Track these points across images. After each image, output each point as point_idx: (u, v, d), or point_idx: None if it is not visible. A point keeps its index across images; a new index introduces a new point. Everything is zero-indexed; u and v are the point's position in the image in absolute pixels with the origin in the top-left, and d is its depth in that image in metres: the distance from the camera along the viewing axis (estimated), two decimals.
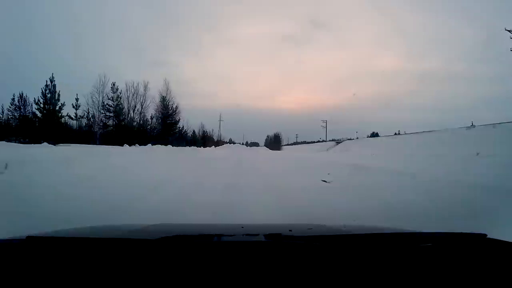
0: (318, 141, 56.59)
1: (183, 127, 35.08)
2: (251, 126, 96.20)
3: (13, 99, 23.71)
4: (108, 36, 60.98)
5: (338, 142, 46.07)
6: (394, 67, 71.08)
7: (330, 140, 52.92)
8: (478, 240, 0.84)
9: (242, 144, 51.64)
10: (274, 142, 52.45)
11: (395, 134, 41.27)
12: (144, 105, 28.61)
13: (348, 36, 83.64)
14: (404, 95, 72.39)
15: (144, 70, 55.99)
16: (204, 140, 39.72)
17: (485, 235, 0.84)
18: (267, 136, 64.02)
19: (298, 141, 66.05)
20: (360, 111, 77.41)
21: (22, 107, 23.84)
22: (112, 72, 39.46)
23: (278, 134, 59.02)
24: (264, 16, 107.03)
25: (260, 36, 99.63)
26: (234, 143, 48.73)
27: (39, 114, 23.14)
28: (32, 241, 0.77)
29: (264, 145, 51.21)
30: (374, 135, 50.22)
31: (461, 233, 0.85)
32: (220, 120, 48.61)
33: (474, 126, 17.59)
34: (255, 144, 60.38)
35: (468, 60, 63.63)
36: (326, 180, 5.46)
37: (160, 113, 29.39)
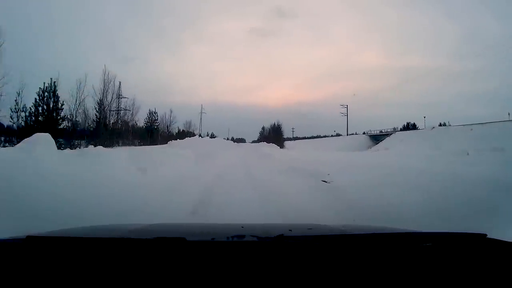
0: (332, 136, 43.00)
1: None
2: (236, 123, 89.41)
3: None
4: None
5: (378, 136, 31.72)
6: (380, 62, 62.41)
7: (338, 135, 39.46)
8: (478, 240, 0.83)
9: (227, 139, 36.22)
10: (273, 136, 37.54)
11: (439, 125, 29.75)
12: None
13: (335, 27, 75.53)
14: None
15: (114, 66, 56.08)
16: (99, 129, 22.01)
17: (485, 235, 0.83)
18: (262, 129, 48.49)
19: (294, 136, 52.16)
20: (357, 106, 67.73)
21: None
22: None
23: (278, 125, 43.74)
24: (241, 10, 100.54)
25: (236, 31, 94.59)
26: (214, 137, 34.07)
27: None
28: (32, 240, 0.77)
29: (260, 140, 36.23)
30: (411, 126, 37.33)
31: (461, 233, 0.85)
32: (201, 113, 42.18)
33: None
34: (242, 140, 46.31)
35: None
36: None
37: None
